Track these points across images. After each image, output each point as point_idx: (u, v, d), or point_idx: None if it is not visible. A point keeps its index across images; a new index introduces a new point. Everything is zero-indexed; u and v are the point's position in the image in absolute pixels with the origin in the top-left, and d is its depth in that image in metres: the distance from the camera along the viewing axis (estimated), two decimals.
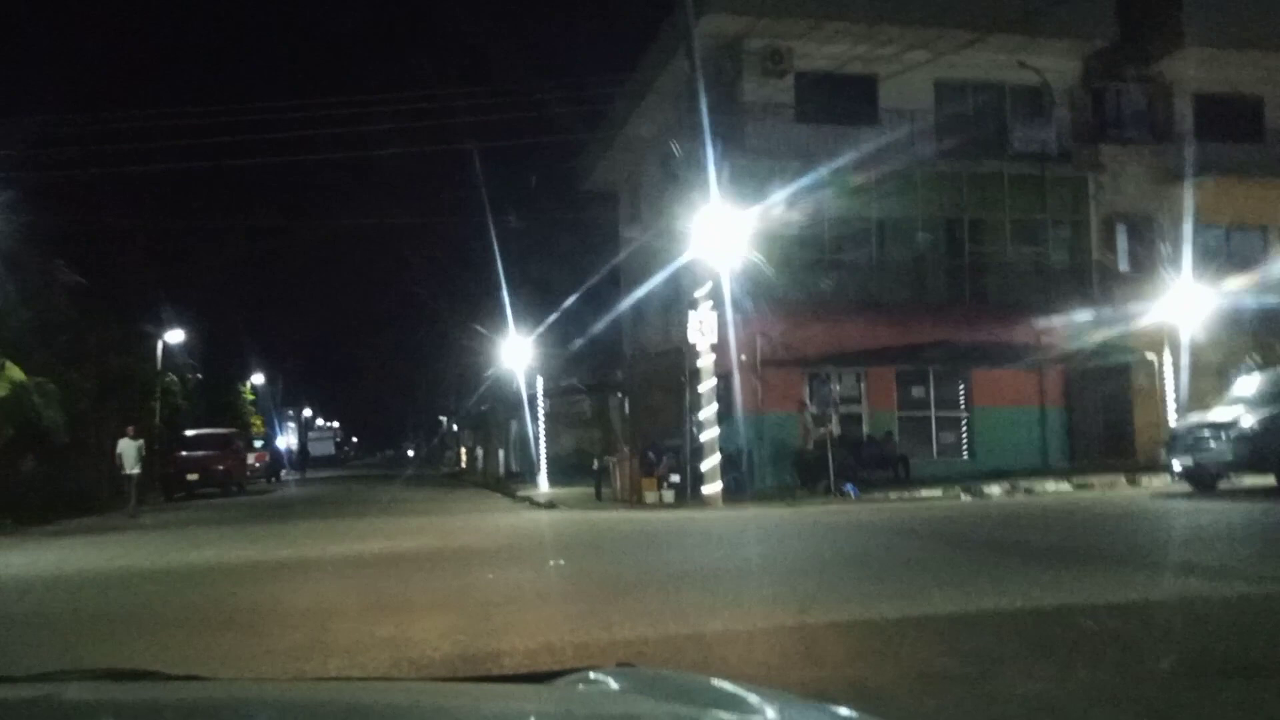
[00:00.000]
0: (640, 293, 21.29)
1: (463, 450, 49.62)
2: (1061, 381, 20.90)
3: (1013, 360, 19.47)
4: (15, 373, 19.38)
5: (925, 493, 16.41)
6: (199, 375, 36.54)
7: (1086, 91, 21.42)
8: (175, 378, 32.43)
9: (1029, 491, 16.50)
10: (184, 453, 27.41)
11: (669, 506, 16.53)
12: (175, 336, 31.85)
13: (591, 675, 1.55)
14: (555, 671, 1.59)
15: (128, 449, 19.12)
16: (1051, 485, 16.85)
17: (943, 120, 19.78)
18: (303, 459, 54.41)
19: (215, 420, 33.20)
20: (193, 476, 26.66)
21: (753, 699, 1.40)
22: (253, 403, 49.22)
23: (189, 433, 29.02)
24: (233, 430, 32.05)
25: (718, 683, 1.52)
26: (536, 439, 25.99)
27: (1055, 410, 20.88)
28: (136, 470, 19.24)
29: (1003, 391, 20.50)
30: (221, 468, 27.54)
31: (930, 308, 19.76)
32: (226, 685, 2.14)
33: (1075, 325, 19.54)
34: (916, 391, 20.67)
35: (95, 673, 1.64)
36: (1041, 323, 19.82)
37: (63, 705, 1.37)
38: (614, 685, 1.52)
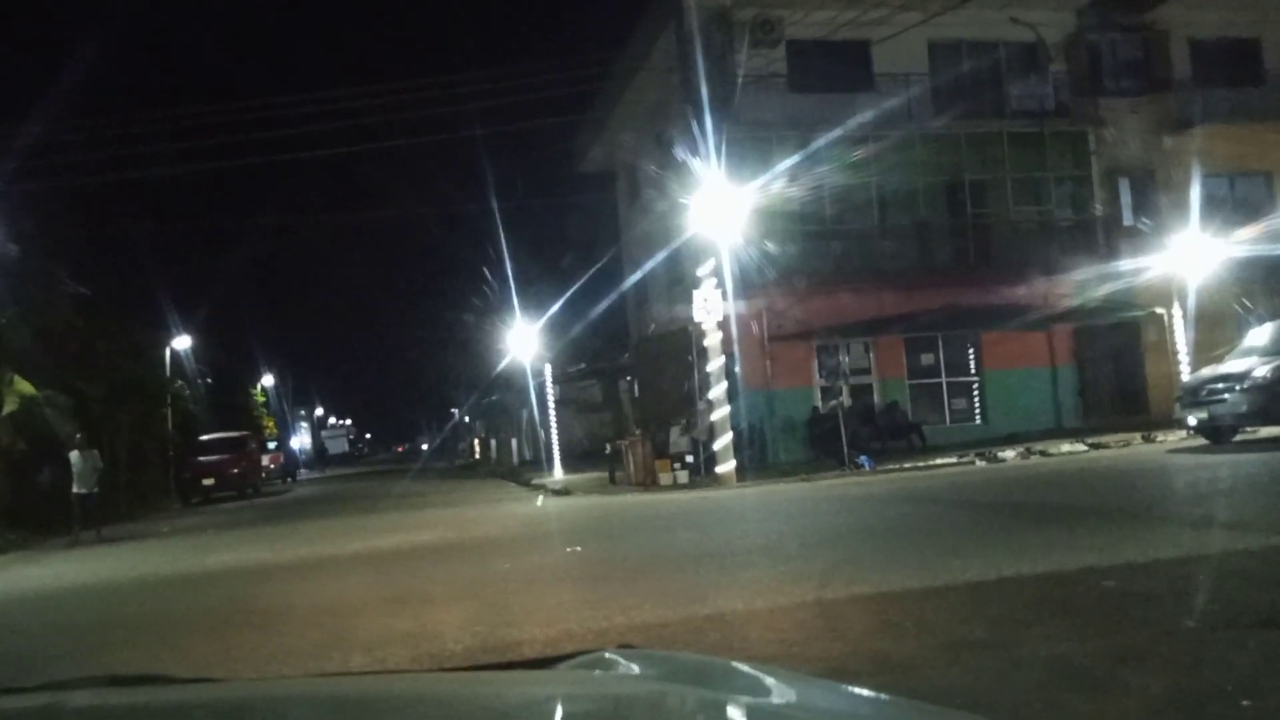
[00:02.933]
0: (642, 273, 21.22)
1: (475, 441, 49.75)
2: (1071, 340, 20.79)
3: (1021, 321, 19.36)
4: (24, 386, 19.43)
5: (940, 460, 16.35)
6: (209, 380, 36.64)
7: (1081, 45, 21.18)
8: (185, 384, 32.52)
9: (1043, 454, 16.43)
10: (199, 458, 27.52)
11: (683, 487, 16.52)
12: (183, 343, 31.91)
13: (596, 657, 1.55)
14: (562, 655, 1.59)
15: (78, 463, 16.10)
16: (1066, 446, 16.78)
17: (938, 82, 19.59)
18: (321, 457, 54.70)
19: (228, 424, 33.31)
20: (208, 481, 26.79)
21: (764, 678, 1.40)
22: (264, 404, 49.38)
23: (203, 438, 29.13)
24: (246, 433, 32.16)
25: (725, 662, 1.52)
26: (547, 426, 26.00)
27: (1066, 370, 20.78)
28: (93, 489, 16.15)
29: (1012, 353, 20.40)
30: (237, 471, 27.66)
31: (935, 272, 19.65)
32: (234, 686, 2.13)
33: (1082, 282, 19.43)
34: (926, 358, 20.58)
35: (99, 679, 1.63)
36: (1048, 282, 19.72)
37: (65, 714, 1.37)
38: (618, 667, 1.53)
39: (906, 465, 16.28)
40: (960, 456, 16.46)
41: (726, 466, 16.04)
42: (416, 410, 76.14)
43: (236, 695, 1.68)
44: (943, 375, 20.67)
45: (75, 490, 15.98)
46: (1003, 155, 19.95)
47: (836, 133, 17.47)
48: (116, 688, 1.53)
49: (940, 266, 19.91)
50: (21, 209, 19.42)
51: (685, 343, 17.73)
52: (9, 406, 18.96)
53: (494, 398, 39.21)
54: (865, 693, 1.38)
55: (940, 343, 20.55)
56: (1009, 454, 16.51)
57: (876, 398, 19.91)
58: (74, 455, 16.20)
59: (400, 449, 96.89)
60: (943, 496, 11.39)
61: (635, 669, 1.52)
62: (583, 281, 25.39)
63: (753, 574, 6.80)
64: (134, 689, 1.52)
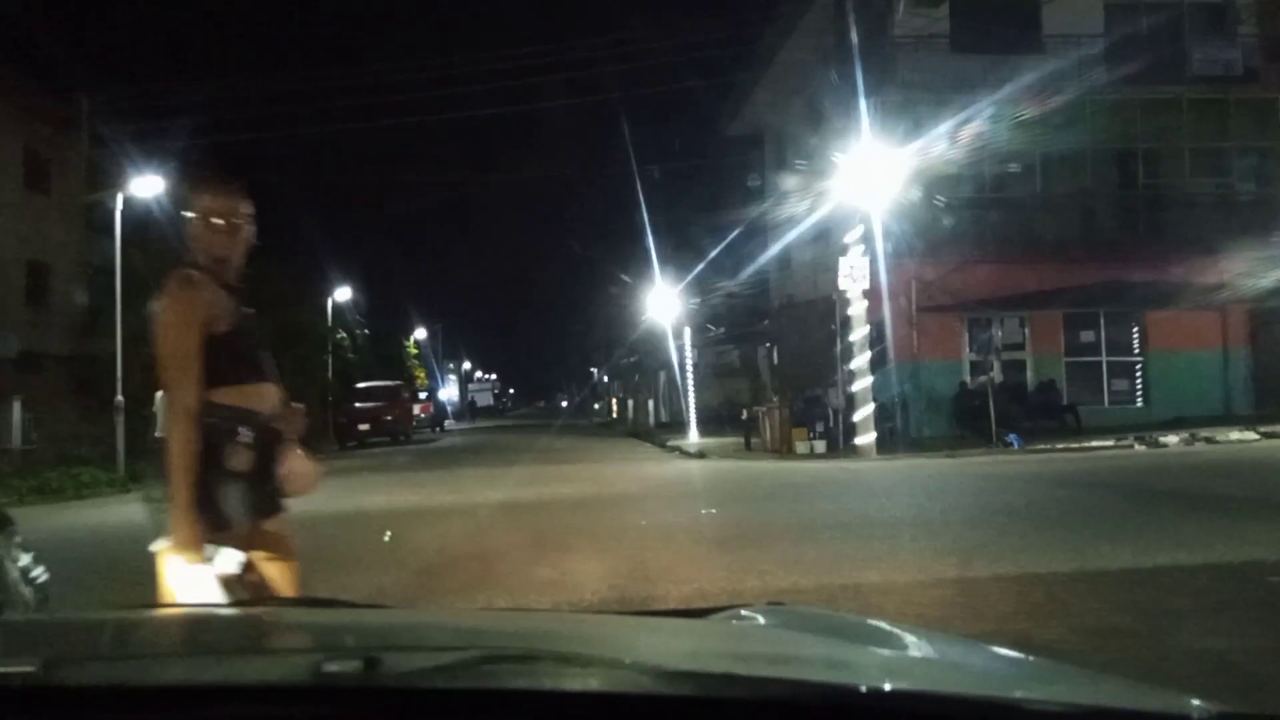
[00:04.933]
0: (788, 239, 20.93)
1: (613, 401, 50.46)
2: (1246, 322, 19.41)
3: (1192, 300, 18.17)
4: None
5: (1095, 442, 15.64)
6: (366, 331, 38.40)
7: (1274, 3, 19.48)
8: (345, 333, 34.20)
9: (1209, 440, 15.48)
10: (355, 404, 29.01)
11: (820, 457, 16.36)
12: (344, 294, 33.53)
13: (743, 612, 1.55)
14: (708, 609, 1.60)
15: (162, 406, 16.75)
16: (1235, 434, 15.75)
17: (1113, 44, 18.41)
18: (470, 409, 56.79)
19: (382, 373, 34.86)
20: (364, 427, 28.22)
21: (908, 637, 1.38)
22: (416, 356, 51.43)
23: (360, 385, 30.65)
24: (400, 383, 33.60)
25: (872, 622, 1.50)
26: (685, 389, 26.14)
27: (1239, 353, 19.44)
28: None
29: (1181, 334, 19.22)
30: (390, 418, 29.05)
31: (1101, 246, 18.61)
32: (408, 613, 2.28)
33: (1262, 261, 18.03)
34: (1086, 336, 19.63)
35: (296, 600, 1.81)
36: (1224, 260, 18.39)
37: (256, 627, 1.49)
38: (766, 621, 1.53)
39: (1059, 446, 15.64)
40: (1118, 440, 15.70)
41: (866, 438, 15.79)
42: (557, 368, 77.94)
43: (419, 621, 1.80)
44: (1103, 354, 19.68)
45: (158, 435, 16.18)
46: (1181, 123, 18.64)
47: (999, 96, 16.68)
48: (310, 607, 1.64)
49: (1105, 239, 18.85)
50: (202, 160, 20.68)
51: (828, 311, 17.47)
52: None
53: (633, 359, 39.65)
54: (1010, 653, 1.35)
55: (1102, 320, 19.55)
56: (1172, 439, 15.64)
57: (1030, 375, 19.13)
58: (160, 396, 16.32)
59: (541, 405, 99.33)
60: (1097, 480, 10.92)
61: (775, 623, 1.53)
62: (725, 246, 25.27)
63: (891, 547, 6.71)
64: (325, 610, 1.62)
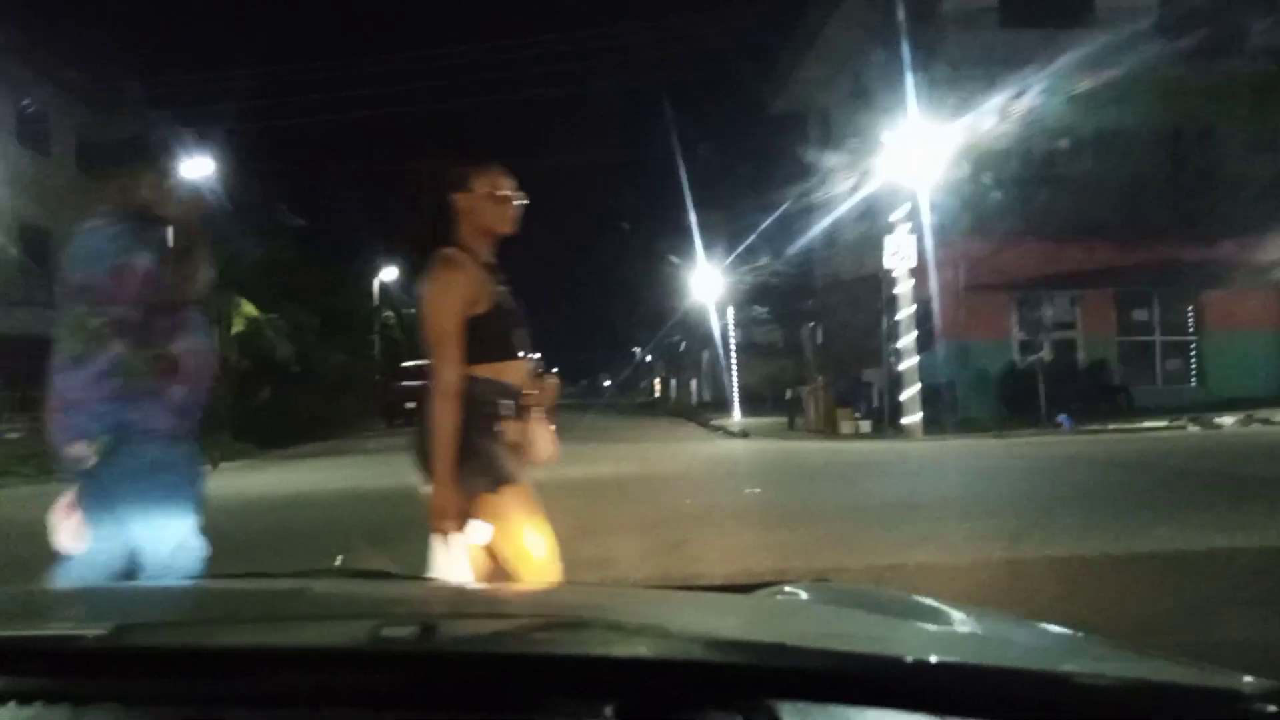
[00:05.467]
0: (832, 217, 20.71)
1: (656, 380, 50.48)
2: None
3: (1247, 280, 17.70)
4: (249, 308, 21.18)
5: (1148, 423, 15.35)
6: (412, 310, 38.75)
7: None
8: (392, 313, 34.56)
9: (1266, 421, 15.12)
10: (402, 383, 29.35)
11: (865, 437, 16.25)
12: (390, 274, 33.85)
13: (787, 588, 1.55)
14: (753, 584, 1.61)
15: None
16: None
17: (1168, 18, 17.90)
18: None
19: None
20: (410, 405, 28.49)
21: (955, 613, 1.36)
22: None
23: (405, 364, 31.00)
24: None
25: (918, 598, 1.50)
26: (728, 369, 26.07)
27: None
28: None
29: (1237, 314, 18.76)
30: None
31: (1153, 224, 18.16)
32: (460, 585, 2.32)
33: None
34: (1138, 315, 19.24)
35: (344, 571, 1.83)
36: None
37: (314, 596, 1.51)
38: (811, 597, 1.53)
39: (1110, 427, 15.38)
40: (1172, 420, 15.40)
41: (912, 418, 15.64)
42: (600, 348, 78.03)
43: (462, 591, 1.84)
44: (1156, 334, 19.28)
45: None
46: (1239, 100, 18.08)
47: (1050, 72, 16.31)
48: (355, 579, 1.69)
49: (1159, 218, 18.38)
50: (248, 146, 20.96)
51: (875, 290, 17.29)
52: (236, 327, 20.73)
53: (676, 338, 39.60)
54: (1058, 629, 1.33)
55: (1155, 300, 19.13)
56: (1227, 420, 15.31)
57: (1080, 354, 18.80)
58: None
59: (583, 384, 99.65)
60: (1151, 462, 10.72)
61: (822, 599, 1.54)
62: (768, 225, 25.07)
63: (938, 528, 6.66)
64: (373, 581, 1.66)
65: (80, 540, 2.65)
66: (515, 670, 0.93)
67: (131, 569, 2.65)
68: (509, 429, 2.52)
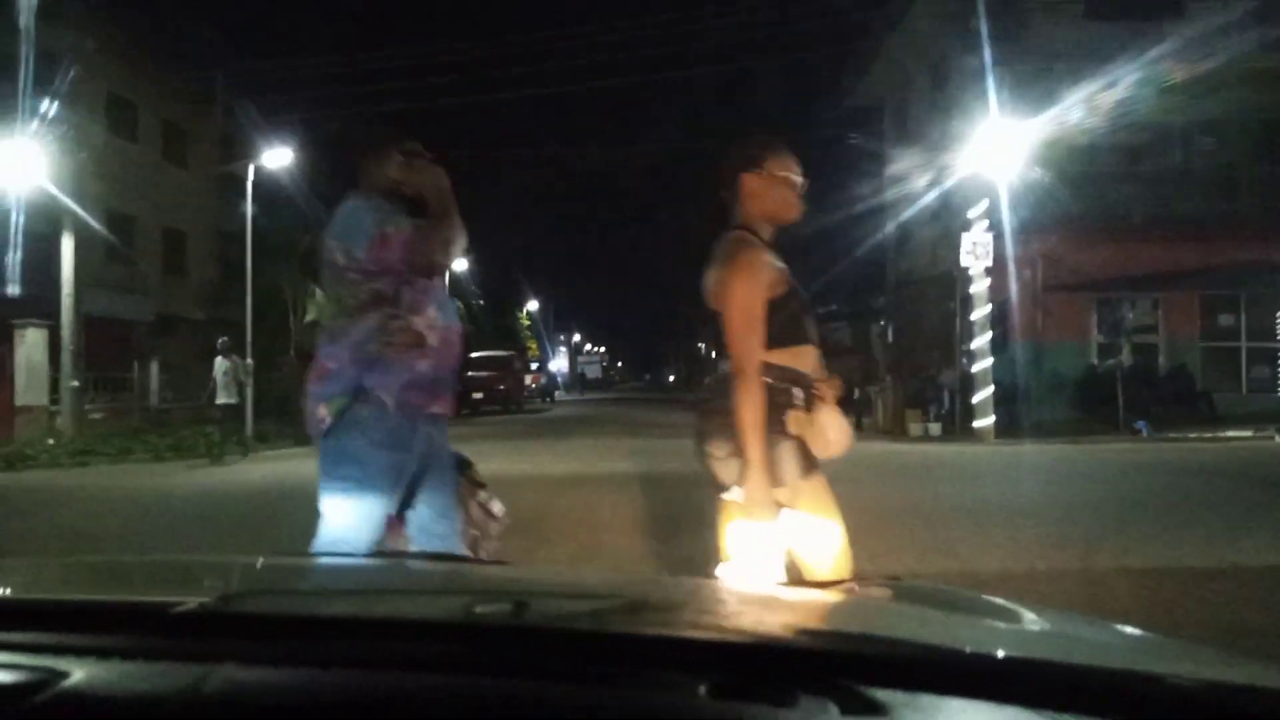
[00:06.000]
0: (907, 214, 20.35)
1: None
2: None
3: None
4: (324, 297, 21.55)
5: (1231, 432, 14.80)
6: (482, 301, 39.14)
7: None
8: (461, 303, 34.92)
9: None
10: (469, 373, 29.66)
11: (935, 440, 15.95)
12: (461, 264, 34.22)
13: (857, 586, 1.57)
14: (822, 583, 1.65)
15: (224, 370, 14.72)
16: None
17: (1259, 6, 17.15)
18: (581, 381, 57.82)
19: (496, 344, 35.51)
20: (477, 395, 28.85)
21: (1028, 613, 1.35)
22: (529, 328, 52.26)
23: (473, 355, 31.33)
24: (512, 353, 34.17)
25: (991, 598, 1.49)
26: None
27: None
28: (234, 400, 14.92)
29: None
30: (502, 388, 29.61)
31: (1243, 223, 17.47)
32: (545, 570, 2.41)
33: None
34: (1225, 319, 18.49)
35: (438, 555, 1.91)
36: None
37: (400, 573, 1.56)
38: (887, 593, 1.54)
39: (1191, 435, 14.86)
40: (1257, 430, 14.82)
41: (985, 421, 15.32)
42: (665, 342, 77.99)
43: (548, 574, 1.94)
44: (1243, 339, 18.53)
45: (219, 400, 14.67)
46: None
47: (1135, 65, 15.78)
48: (433, 561, 1.75)
49: (1249, 217, 17.67)
50: (322, 138, 21.27)
51: (949, 288, 16.95)
52: (310, 314, 21.13)
53: None
54: (1136, 631, 1.32)
55: (1242, 303, 18.40)
56: None
57: (1162, 359, 18.19)
58: (219, 361, 14.71)
59: (648, 378, 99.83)
60: (1234, 470, 10.33)
61: (891, 596, 1.54)
62: (839, 219, 24.72)
63: (1011, 534, 6.49)
64: (441, 564, 1.70)
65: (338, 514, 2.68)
66: (606, 648, 0.95)
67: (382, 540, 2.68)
68: (798, 418, 2.44)
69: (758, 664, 0.91)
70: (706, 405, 2.51)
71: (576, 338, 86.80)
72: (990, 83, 14.62)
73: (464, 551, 2.83)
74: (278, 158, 19.61)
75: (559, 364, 66.58)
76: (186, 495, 10.38)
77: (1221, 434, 14.77)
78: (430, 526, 2.82)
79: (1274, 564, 5.30)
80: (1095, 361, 17.81)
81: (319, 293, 21.49)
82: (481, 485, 3.14)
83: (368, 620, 1.05)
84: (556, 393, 50.25)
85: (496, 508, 3.12)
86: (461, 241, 2.85)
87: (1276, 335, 18.59)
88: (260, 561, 1.60)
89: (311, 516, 2.70)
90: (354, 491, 2.63)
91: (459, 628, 1.00)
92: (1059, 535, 6.38)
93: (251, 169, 19.01)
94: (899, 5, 21.36)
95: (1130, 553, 5.66)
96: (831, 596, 1.47)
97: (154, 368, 21.79)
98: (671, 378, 72.95)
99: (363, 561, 1.72)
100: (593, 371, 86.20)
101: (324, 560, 1.89)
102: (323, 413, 2.66)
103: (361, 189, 2.87)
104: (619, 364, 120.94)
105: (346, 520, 2.64)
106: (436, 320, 2.78)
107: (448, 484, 2.91)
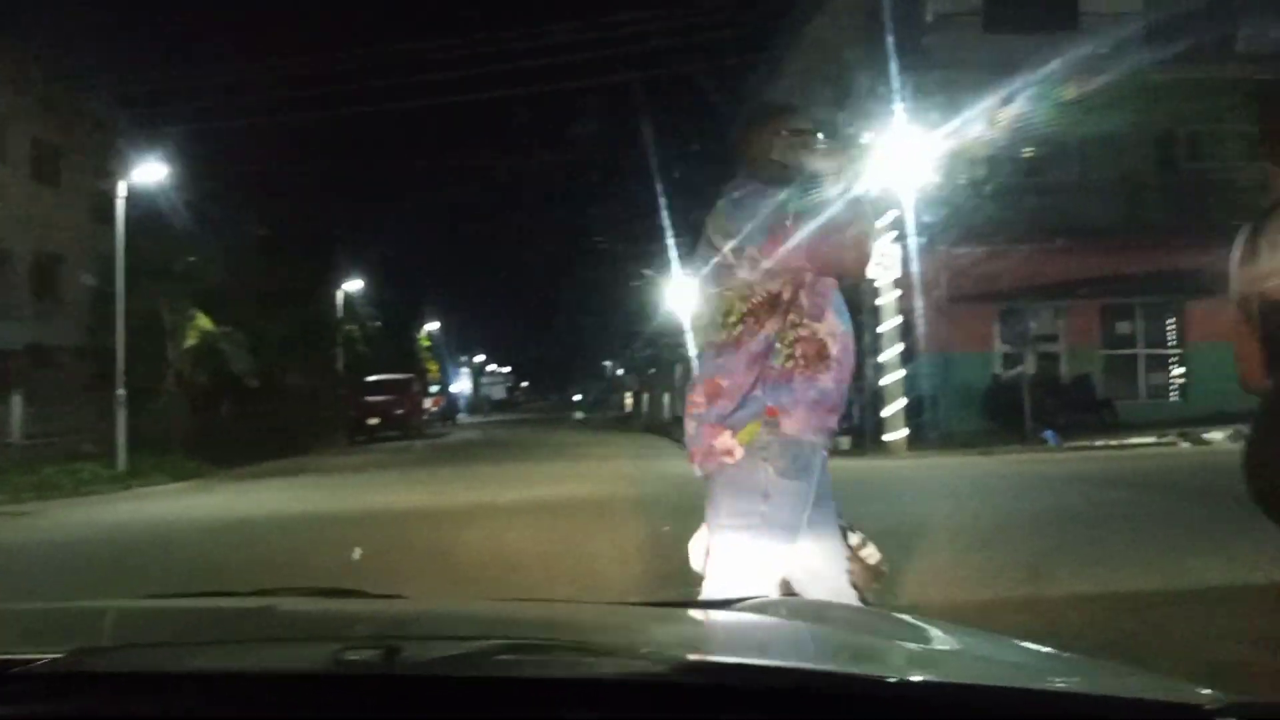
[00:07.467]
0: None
1: (628, 396, 49.93)
2: None
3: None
4: (204, 322, 20.36)
5: (1136, 439, 14.95)
6: (379, 323, 37.90)
7: None
8: (356, 326, 33.68)
9: None
10: (365, 398, 28.44)
11: (845, 454, 15.67)
12: (355, 285, 33.03)
13: (761, 603, 1.63)
14: (732, 599, 1.64)
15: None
16: None
17: (1155, 22, 17.60)
18: (484, 403, 57.09)
19: (394, 366, 34.34)
20: (374, 421, 27.67)
21: (933, 630, 1.36)
22: (428, 349, 51.01)
23: (370, 379, 30.06)
24: (411, 376, 33.05)
25: (898, 615, 1.56)
26: None
27: None
28: None
29: (1221, 326, 17.94)
30: (401, 412, 28.46)
31: (1139, 234, 17.82)
32: (426, 603, 2.32)
33: None
34: (1122, 327, 18.89)
35: (309, 590, 1.80)
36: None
37: (278, 616, 1.53)
38: (788, 613, 1.58)
39: (1098, 443, 14.97)
40: (1160, 436, 15.01)
41: (896, 435, 15.13)
42: (571, 363, 77.48)
43: (437, 611, 1.84)
44: (1140, 346, 18.94)
45: None
46: (1227, 105, 17.81)
47: (1035, 77, 15.93)
48: (323, 597, 1.68)
49: (1146, 227, 18.05)
50: (212, 151, 20.21)
51: (855, 302, 16.79)
52: (190, 340, 19.90)
53: (648, 353, 39.02)
54: (1039, 648, 1.32)
55: (1138, 311, 18.80)
56: (1216, 435, 14.88)
57: (1064, 368, 18.41)
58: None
59: (555, 399, 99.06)
60: (1150, 481, 10.25)
61: (791, 613, 1.58)
62: None
63: (945, 560, 6.09)
64: (339, 599, 1.66)
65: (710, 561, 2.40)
66: (481, 694, 0.93)
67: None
68: None
69: (632, 702, 0.89)
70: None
71: (480, 358, 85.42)
72: (893, 94, 14.52)
73: (850, 595, 2.53)
74: (152, 173, 18.38)
75: (461, 385, 65.28)
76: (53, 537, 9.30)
77: (1127, 441, 14.91)
78: (817, 567, 2.53)
79: (1225, 584, 5.01)
80: (999, 371, 17.92)
81: (198, 315, 20.29)
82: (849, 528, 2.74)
83: (227, 675, 1.02)
84: (459, 415, 49.10)
85: (870, 553, 2.72)
86: (866, 249, 2.51)
87: (1171, 343, 19.04)
88: (118, 605, 1.55)
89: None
90: (758, 530, 2.35)
91: (324, 679, 0.96)
92: (997, 559, 6.02)
93: (124, 186, 17.75)
94: (801, 17, 21.37)
95: (1077, 577, 5.32)
96: (726, 620, 1.49)
97: (16, 401, 20.13)
98: (579, 398, 72.33)
99: (230, 604, 1.66)
100: (497, 393, 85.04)
101: (187, 603, 1.79)
102: (729, 442, 2.34)
103: (751, 167, 2.56)
104: (524, 384, 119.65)
105: (747, 563, 2.35)
106: (838, 327, 2.50)
107: (832, 515, 2.64)
